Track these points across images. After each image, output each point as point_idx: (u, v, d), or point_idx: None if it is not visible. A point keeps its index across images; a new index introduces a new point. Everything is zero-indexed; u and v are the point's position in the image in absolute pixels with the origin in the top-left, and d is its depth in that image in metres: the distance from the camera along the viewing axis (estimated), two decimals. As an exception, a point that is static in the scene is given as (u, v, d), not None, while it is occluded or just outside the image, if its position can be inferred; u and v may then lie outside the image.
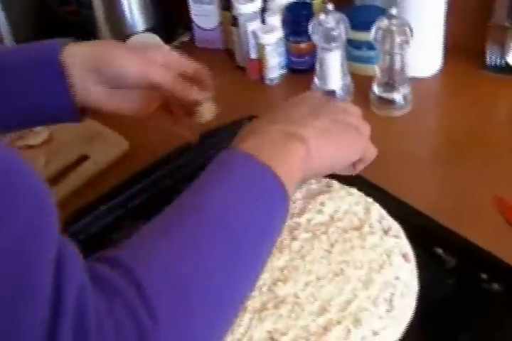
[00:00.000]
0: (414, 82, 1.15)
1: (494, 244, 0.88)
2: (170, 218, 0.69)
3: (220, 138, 1.11)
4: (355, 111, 0.80)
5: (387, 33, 1.04)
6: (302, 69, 1.19)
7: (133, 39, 1.21)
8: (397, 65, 1.07)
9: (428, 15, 1.13)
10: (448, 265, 0.89)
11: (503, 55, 1.16)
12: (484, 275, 0.87)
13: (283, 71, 1.22)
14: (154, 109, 0.91)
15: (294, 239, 0.91)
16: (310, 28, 1.08)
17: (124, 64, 0.83)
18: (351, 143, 0.76)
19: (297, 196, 0.96)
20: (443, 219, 0.92)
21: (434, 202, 0.94)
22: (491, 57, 1.17)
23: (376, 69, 1.09)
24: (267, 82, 1.21)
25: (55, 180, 1.12)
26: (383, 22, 1.04)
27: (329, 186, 0.97)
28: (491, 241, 0.88)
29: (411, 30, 1.04)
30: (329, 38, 1.08)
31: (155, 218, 0.69)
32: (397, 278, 0.85)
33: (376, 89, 1.10)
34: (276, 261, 0.88)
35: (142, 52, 0.86)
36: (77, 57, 0.83)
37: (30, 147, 1.18)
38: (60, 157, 1.16)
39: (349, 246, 0.89)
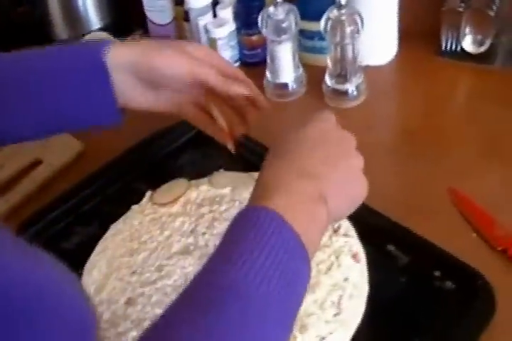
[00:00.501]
0: (369, 70, 1.10)
1: (448, 240, 0.83)
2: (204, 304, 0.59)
3: (169, 138, 1.07)
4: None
5: (337, 23, 0.99)
6: (255, 62, 1.14)
7: (85, 39, 1.16)
8: (349, 56, 1.02)
9: (380, 1, 1.07)
10: (400, 263, 0.85)
11: (458, 40, 1.11)
12: (437, 273, 0.82)
13: (236, 64, 1.17)
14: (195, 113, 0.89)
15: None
16: (259, 20, 1.03)
17: (169, 65, 0.81)
18: (361, 192, 0.72)
19: (246, 195, 0.92)
20: (396, 215, 0.87)
21: (387, 197, 0.90)
22: (446, 43, 1.12)
23: (327, 61, 1.04)
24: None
25: (7, 185, 1.08)
26: (332, 12, 0.99)
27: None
28: (445, 238, 0.84)
29: (361, 20, 0.99)
30: (279, 31, 1.03)
31: (182, 298, 0.61)
32: (346, 280, 0.81)
33: (328, 80, 1.06)
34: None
35: (182, 48, 0.83)
36: (121, 60, 0.81)
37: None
38: (13, 161, 1.11)
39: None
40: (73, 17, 1.27)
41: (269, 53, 1.07)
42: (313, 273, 0.80)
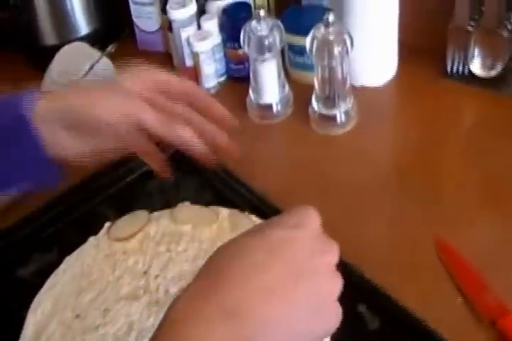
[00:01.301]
0: (364, 92, 0.99)
1: (428, 303, 0.73)
2: None
3: (139, 162, 0.96)
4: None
5: (324, 43, 0.87)
6: (242, 77, 1.02)
7: (63, 50, 1.06)
8: (338, 78, 0.91)
9: (379, 17, 0.95)
10: (370, 326, 0.74)
11: (465, 61, 0.98)
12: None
13: (222, 79, 1.06)
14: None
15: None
16: (241, 36, 0.92)
17: (100, 113, 0.71)
18: (329, 326, 0.54)
19: (207, 234, 0.82)
20: (373, 268, 0.76)
21: (364, 246, 0.79)
22: (452, 64, 0.99)
23: (314, 82, 0.92)
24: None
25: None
26: (319, 30, 0.87)
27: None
28: (426, 300, 0.74)
29: (351, 39, 0.87)
30: (262, 48, 0.92)
31: None
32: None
33: (315, 104, 0.94)
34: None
35: (115, 88, 0.74)
36: (48, 115, 0.72)
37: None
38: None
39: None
40: (60, 22, 1.18)
41: (252, 72, 0.95)
42: None
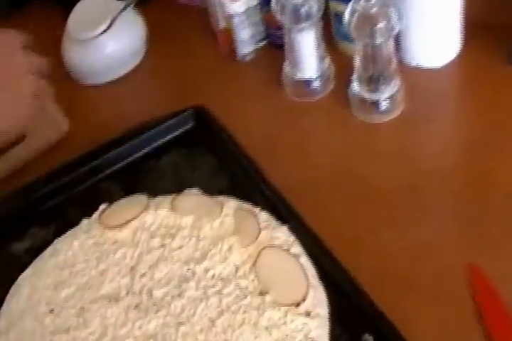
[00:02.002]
0: (415, 74, 0.83)
1: None
2: None
3: (159, 130, 0.84)
4: None
5: (366, 18, 0.72)
6: (282, 44, 0.87)
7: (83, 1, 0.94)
8: (381, 58, 0.75)
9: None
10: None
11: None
12: None
13: (260, 45, 0.91)
14: None
15: (179, 295, 0.64)
16: (272, 3, 0.77)
17: None
18: None
19: (206, 231, 0.69)
20: (386, 292, 0.64)
21: (382, 265, 0.65)
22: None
23: (355, 61, 0.77)
24: (239, 57, 0.91)
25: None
26: (359, 3, 0.71)
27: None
28: (442, 338, 0.59)
29: (399, 13, 0.71)
30: (298, 16, 0.77)
31: None
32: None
33: (355, 86, 0.79)
34: (147, 324, 0.62)
35: None
36: None
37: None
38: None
39: (240, 319, 0.62)
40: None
41: (287, 43, 0.81)
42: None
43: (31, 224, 0.82)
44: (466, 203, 0.70)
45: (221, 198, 0.74)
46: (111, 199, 0.77)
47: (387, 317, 0.60)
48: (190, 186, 0.76)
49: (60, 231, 0.77)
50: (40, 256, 0.75)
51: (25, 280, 0.72)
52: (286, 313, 0.62)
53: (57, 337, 0.66)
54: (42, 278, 0.71)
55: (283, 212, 0.71)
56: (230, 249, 0.68)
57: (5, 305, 0.71)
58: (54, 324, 0.67)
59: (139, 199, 0.75)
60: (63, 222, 0.80)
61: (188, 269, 0.67)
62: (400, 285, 0.64)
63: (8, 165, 0.90)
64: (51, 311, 0.68)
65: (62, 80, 0.97)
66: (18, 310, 0.70)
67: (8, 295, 0.72)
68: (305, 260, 0.66)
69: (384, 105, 0.79)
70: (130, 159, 0.84)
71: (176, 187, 0.78)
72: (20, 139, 0.92)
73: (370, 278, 0.64)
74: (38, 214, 0.82)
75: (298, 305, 0.62)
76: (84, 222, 0.76)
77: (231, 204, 0.72)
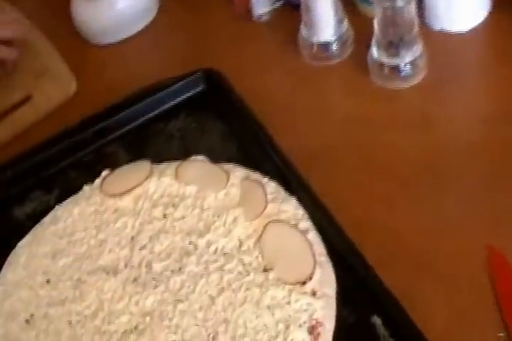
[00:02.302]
0: (440, 39, 0.77)
1: (459, 333, 0.55)
2: None
3: (167, 93, 0.79)
4: None
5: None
6: (299, 4, 0.81)
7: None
8: (402, 20, 0.69)
9: None
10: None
11: None
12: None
13: (276, 5, 0.85)
14: None
15: (179, 270, 0.60)
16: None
17: None
18: None
19: (211, 201, 0.65)
20: (399, 274, 0.58)
21: (396, 244, 0.60)
22: None
23: (374, 24, 0.71)
24: (254, 17, 0.85)
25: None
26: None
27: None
28: (455, 327, 0.55)
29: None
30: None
31: None
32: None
33: (374, 50, 0.73)
34: (144, 300, 0.58)
35: None
36: None
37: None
38: (3, 96, 0.88)
39: (242, 297, 0.58)
40: None
41: (303, 3, 0.75)
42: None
43: (34, 189, 0.78)
44: (491, 180, 0.64)
45: (228, 166, 0.69)
46: (116, 164, 0.74)
47: (398, 300, 0.56)
48: (198, 152, 0.72)
49: (63, 197, 0.74)
50: (40, 222, 0.71)
51: (24, 247, 0.69)
52: (290, 292, 0.57)
53: (53, 309, 0.63)
54: (40, 247, 0.68)
55: (292, 183, 0.66)
56: (234, 221, 0.63)
57: (2, 272, 0.68)
58: (50, 295, 0.64)
59: (143, 165, 0.71)
60: (67, 187, 0.76)
61: (190, 242, 0.63)
62: (413, 267, 0.59)
63: (14, 126, 0.86)
64: (47, 281, 0.65)
65: (71, 39, 0.92)
66: (15, 278, 0.67)
67: (6, 263, 0.69)
68: (313, 236, 0.61)
69: (404, 71, 0.73)
70: (137, 122, 0.80)
71: (183, 153, 0.73)
72: (26, 100, 0.87)
73: (382, 258, 0.59)
74: (41, 178, 0.78)
75: (303, 283, 0.58)
76: (86, 188, 0.72)
77: (238, 174, 0.67)
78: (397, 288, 0.56)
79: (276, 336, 0.55)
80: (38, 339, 0.61)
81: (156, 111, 0.80)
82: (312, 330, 0.55)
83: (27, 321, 0.63)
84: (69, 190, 0.74)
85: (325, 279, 0.58)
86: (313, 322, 0.56)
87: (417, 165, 0.67)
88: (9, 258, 0.69)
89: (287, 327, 0.55)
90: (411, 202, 0.64)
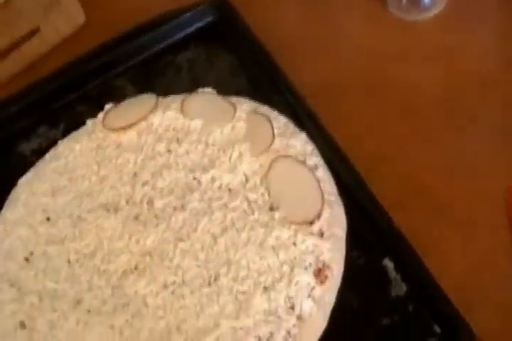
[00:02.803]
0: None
1: (468, 276, 0.49)
2: None
3: (176, 24, 0.73)
4: None
5: None
6: None
7: None
8: None
9: None
10: (394, 290, 0.51)
11: None
12: (437, 329, 0.48)
13: None
14: None
15: (182, 207, 0.56)
16: None
17: None
18: None
19: (216, 136, 0.59)
20: (413, 217, 0.54)
21: (409, 185, 0.55)
22: None
23: None
24: None
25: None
26: None
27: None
28: (465, 271, 0.50)
29: None
30: None
31: None
32: (291, 308, 0.49)
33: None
34: (145, 239, 0.54)
35: None
36: None
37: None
38: (12, 29, 0.82)
39: (245, 237, 0.53)
40: None
41: None
42: (247, 286, 0.49)
43: (40, 124, 0.73)
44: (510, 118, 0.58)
45: (236, 99, 0.64)
46: (124, 98, 0.69)
47: (410, 242, 0.50)
48: (207, 85, 0.66)
49: (68, 132, 0.69)
50: (42, 158, 0.67)
51: (24, 185, 0.65)
52: (296, 232, 0.53)
53: (52, 247, 0.59)
54: (40, 184, 0.64)
55: (302, 118, 0.61)
56: (240, 156, 0.58)
57: (3, 210, 0.64)
58: (49, 233, 0.60)
59: (148, 99, 0.66)
60: (73, 121, 0.71)
61: (194, 178, 0.58)
62: (428, 208, 0.55)
63: (22, 59, 0.81)
64: (47, 219, 0.61)
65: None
66: (14, 216, 0.63)
67: (7, 201, 0.65)
68: (323, 173, 0.56)
69: (424, 1, 0.66)
70: (145, 54, 0.74)
71: (192, 86, 0.68)
72: (35, 32, 0.82)
73: (395, 200, 0.54)
74: (47, 112, 0.74)
75: (311, 223, 0.53)
76: (89, 123, 0.67)
77: (245, 107, 0.62)
78: (411, 231, 0.52)
79: (280, 278, 0.51)
80: (36, 278, 0.58)
81: (165, 43, 0.74)
82: (318, 273, 0.51)
83: (26, 259, 0.59)
84: (75, 124, 0.69)
85: (334, 219, 0.54)
86: (320, 264, 0.51)
87: (432, 101, 0.62)
88: (10, 196, 0.65)
89: (292, 270, 0.51)
90: (426, 140, 0.59)
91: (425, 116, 0.61)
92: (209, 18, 0.74)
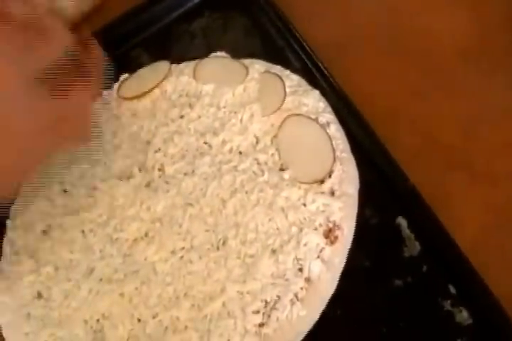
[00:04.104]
0: None
1: (484, 236, 0.45)
2: None
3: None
4: None
5: None
6: None
7: None
8: None
9: None
10: (408, 250, 0.47)
11: None
12: (452, 289, 0.44)
13: None
14: None
15: (192, 172, 0.53)
16: None
17: None
18: None
19: (228, 98, 0.56)
20: (431, 171, 0.50)
21: (430, 140, 0.50)
22: None
23: None
24: None
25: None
26: None
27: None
28: (482, 231, 0.46)
29: None
30: None
31: None
32: (300, 270, 0.45)
33: None
34: (156, 205, 0.51)
35: None
36: None
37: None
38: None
39: (254, 199, 0.49)
40: None
41: None
42: (255, 249, 0.46)
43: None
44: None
45: (248, 61, 0.60)
46: (140, 68, 0.65)
47: (425, 199, 0.46)
48: (220, 50, 0.63)
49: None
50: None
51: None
52: (306, 192, 0.49)
53: (68, 218, 0.56)
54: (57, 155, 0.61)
55: (315, 75, 0.56)
56: (251, 117, 0.55)
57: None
58: (65, 203, 0.58)
59: (161, 66, 0.62)
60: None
61: (205, 142, 0.55)
62: (445, 162, 0.50)
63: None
64: (64, 191, 0.59)
65: None
66: (32, 190, 0.60)
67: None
68: (335, 130, 0.52)
69: None
70: (159, 24, 0.71)
71: (206, 52, 0.64)
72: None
73: (411, 155, 0.50)
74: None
75: (321, 182, 0.49)
76: (104, 93, 0.64)
77: (257, 68, 0.58)
78: (427, 187, 0.47)
79: (289, 240, 0.47)
80: (53, 249, 0.55)
81: (179, 11, 0.70)
82: (328, 233, 0.47)
83: (44, 232, 0.57)
84: (93, 97, 0.66)
85: (346, 177, 0.49)
86: (330, 224, 0.47)
87: (455, 52, 0.56)
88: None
89: (300, 230, 0.47)
90: (447, 92, 0.53)
91: (445, 68, 0.55)
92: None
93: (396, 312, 0.45)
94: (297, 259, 0.46)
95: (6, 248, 0.59)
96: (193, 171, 0.53)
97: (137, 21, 0.70)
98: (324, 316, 0.44)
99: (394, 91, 0.55)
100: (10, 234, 0.59)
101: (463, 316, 0.43)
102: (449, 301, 0.44)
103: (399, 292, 0.45)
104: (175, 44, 0.69)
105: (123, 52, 0.71)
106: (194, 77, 0.60)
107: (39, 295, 0.54)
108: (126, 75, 0.64)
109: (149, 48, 0.70)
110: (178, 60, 0.63)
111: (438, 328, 0.44)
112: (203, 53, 0.65)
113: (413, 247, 0.47)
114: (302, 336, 0.44)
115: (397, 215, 0.48)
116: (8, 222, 0.59)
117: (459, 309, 0.43)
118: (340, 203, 0.48)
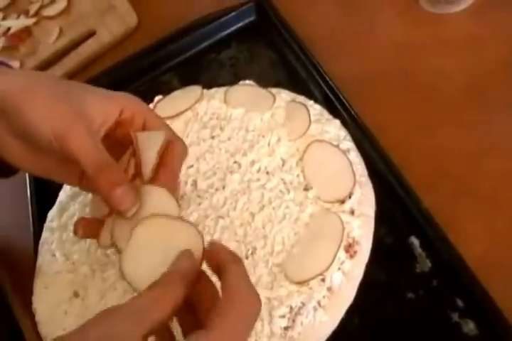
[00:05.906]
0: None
1: (490, 253, 0.48)
2: None
3: (219, 24, 0.72)
4: None
5: None
6: None
7: None
8: None
9: None
10: (419, 266, 0.50)
11: None
12: (460, 303, 0.47)
13: None
14: None
15: (223, 188, 0.54)
16: None
17: (33, 119, 0.44)
18: None
19: (256, 123, 0.58)
20: (439, 197, 0.52)
21: (437, 165, 0.53)
22: None
23: None
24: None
25: (61, 56, 0.83)
26: None
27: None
28: (487, 249, 0.49)
29: None
30: None
31: None
32: (322, 280, 0.48)
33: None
34: (189, 216, 0.54)
35: (73, 102, 0.45)
36: None
37: (49, 18, 0.88)
38: (73, 30, 0.83)
39: (281, 214, 0.52)
40: None
41: None
42: (279, 260, 0.48)
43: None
44: None
45: (275, 90, 0.62)
46: (170, 92, 0.67)
47: (436, 221, 0.49)
48: (247, 78, 0.65)
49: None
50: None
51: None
52: (330, 206, 0.51)
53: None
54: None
55: (337, 106, 0.59)
56: (278, 141, 0.57)
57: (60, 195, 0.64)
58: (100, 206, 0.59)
59: (194, 90, 0.65)
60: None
61: (235, 161, 0.57)
62: (454, 188, 0.53)
63: (79, 58, 0.82)
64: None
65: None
66: (67, 198, 0.63)
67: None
68: (355, 156, 0.55)
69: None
70: (190, 52, 0.73)
71: (234, 80, 0.67)
72: (91, 34, 0.82)
73: (422, 180, 0.52)
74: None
75: (342, 202, 0.51)
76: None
77: (284, 96, 0.61)
78: (437, 210, 0.50)
79: (312, 252, 0.49)
80: (89, 251, 0.57)
81: (209, 42, 0.73)
82: (348, 248, 0.49)
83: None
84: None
85: (364, 199, 0.52)
86: (350, 240, 0.49)
87: (461, 89, 0.59)
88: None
89: (323, 244, 0.49)
90: (455, 126, 0.56)
91: (454, 104, 0.58)
92: (250, 18, 0.73)
93: (408, 322, 0.47)
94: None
95: (43, 248, 0.60)
96: (224, 187, 0.56)
97: (170, 49, 0.73)
98: (343, 323, 0.47)
99: (406, 123, 0.58)
100: (45, 235, 0.61)
101: (470, 327, 0.46)
102: (457, 313, 0.46)
103: (411, 304, 0.48)
104: (204, 71, 0.72)
105: (156, 75, 0.74)
106: (225, 101, 0.62)
107: (76, 294, 0.55)
108: (160, 97, 0.66)
109: (179, 74, 0.73)
110: (207, 86, 0.66)
111: (446, 338, 0.46)
112: (230, 81, 0.68)
113: (424, 264, 0.50)
114: (323, 340, 0.47)
115: (410, 235, 0.51)
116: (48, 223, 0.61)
117: (466, 320, 0.46)
118: (359, 221, 0.50)
